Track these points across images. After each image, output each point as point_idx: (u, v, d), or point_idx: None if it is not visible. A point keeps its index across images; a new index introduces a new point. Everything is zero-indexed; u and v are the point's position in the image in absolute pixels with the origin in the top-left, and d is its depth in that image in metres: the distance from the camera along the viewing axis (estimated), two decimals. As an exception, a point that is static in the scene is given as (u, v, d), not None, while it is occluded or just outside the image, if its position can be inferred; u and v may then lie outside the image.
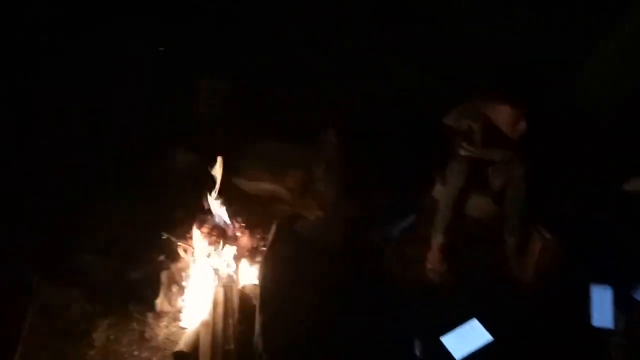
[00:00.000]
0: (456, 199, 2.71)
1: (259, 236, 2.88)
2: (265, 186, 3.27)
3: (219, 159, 2.75)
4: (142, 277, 2.65)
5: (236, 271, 2.58)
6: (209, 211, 2.77)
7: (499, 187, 2.77)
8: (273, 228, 2.63)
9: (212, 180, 2.77)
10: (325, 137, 3.31)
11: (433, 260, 2.75)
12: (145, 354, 2.31)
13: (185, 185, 3.06)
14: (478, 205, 2.89)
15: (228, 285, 2.47)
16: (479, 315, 2.18)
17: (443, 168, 2.83)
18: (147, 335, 2.40)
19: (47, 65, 3.55)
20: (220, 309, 2.32)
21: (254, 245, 2.81)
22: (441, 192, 2.84)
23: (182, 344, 2.26)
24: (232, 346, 2.17)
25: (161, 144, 3.46)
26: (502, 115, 2.62)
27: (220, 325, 2.26)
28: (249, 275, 2.63)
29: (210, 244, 2.66)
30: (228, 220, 2.79)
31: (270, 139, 3.52)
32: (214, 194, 2.74)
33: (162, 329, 2.43)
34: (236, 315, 2.34)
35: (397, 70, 3.63)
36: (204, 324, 2.27)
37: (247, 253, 2.72)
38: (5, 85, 3.35)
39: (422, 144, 3.10)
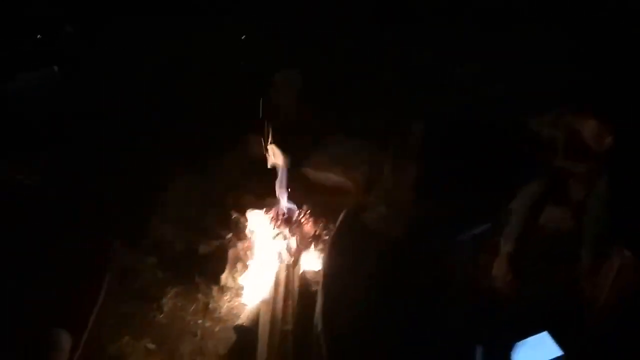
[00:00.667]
0: (531, 208, 2.60)
1: (321, 225, 2.94)
2: (333, 178, 3.32)
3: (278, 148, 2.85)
4: (210, 252, 2.78)
5: (298, 256, 2.64)
6: (277, 197, 2.87)
7: (578, 200, 2.64)
8: (341, 217, 2.65)
9: (281, 167, 2.88)
10: (405, 136, 3.27)
11: (499, 269, 2.66)
12: (208, 324, 2.43)
13: (258, 171, 3.16)
14: (554, 217, 2.77)
15: (290, 268, 2.54)
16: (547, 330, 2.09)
17: (523, 176, 2.74)
18: (211, 306, 2.52)
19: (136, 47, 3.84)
20: (281, 290, 2.39)
21: (317, 233, 2.86)
22: (517, 200, 2.75)
23: (244, 318, 2.35)
24: (290, 327, 2.22)
25: (239, 132, 3.63)
26: (589, 127, 2.50)
27: (280, 305, 2.32)
28: (310, 260, 2.69)
29: (275, 227, 2.75)
30: (294, 207, 2.86)
31: (341, 134, 3.58)
32: (283, 181, 2.84)
33: (225, 302, 2.54)
34: (296, 298, 2.39)
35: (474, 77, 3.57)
36: (265, 303, 2.34)
37: (309, 239, 2.78)
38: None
39: (502, 150, 3.01)
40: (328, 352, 1.91)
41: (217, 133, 3.49)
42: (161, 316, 2.45)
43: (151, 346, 2.27)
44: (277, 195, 2.86)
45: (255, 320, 2.32)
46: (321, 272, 2.41)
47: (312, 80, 3.90)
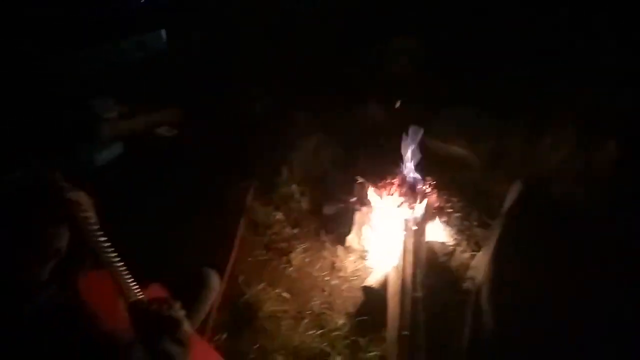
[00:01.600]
0: None
1: (445, 197, 2.92)
2: (457, 151, 3.25)
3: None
4: (335, 213, 2.87)
5: (423, 225, 2.65)
6: (402, 165, 2.87)
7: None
8: (516, 188, 2.38)
9: (406, 137, 2.87)
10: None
11: None
12: (335, 282, 2.53)
13: (384, 138, 3.17)
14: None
15: (417, 237, 2.55)
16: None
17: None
18: (337, 265, 2.62)
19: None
20: (409, 258, 2.41)
21: (440, 205, 2.85)
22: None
23: (372, 280, 2.42)
24: (420, 294, 2.26)
25: (357, 97, 3.65)
26: None
27: (409, 272, 2.35)
28: (435, 231, 2.69)
29: (401, 195, 2.76)
30: (418, 177, 2.85)
31: (466, 105, 3.47)
32: (408, 150, 2.83)
33: (350, 263, 2.63)
34: (424, 266, 2.42)
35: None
36: (395, 268, 2.39)
37: (433, 211, 2.77)
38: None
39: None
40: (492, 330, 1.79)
41: (347, 98, 3.55)
42: (291, 269, 2.59)
43: (285, 295, 2.42)
44: (402, 163, 2.87)
45: (383, 284, 2.38)
46: (491, 245, 2.19)
47: (434, 48, 3.81)
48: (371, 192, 2.80)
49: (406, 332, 2.08)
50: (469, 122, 3.36)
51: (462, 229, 2.74)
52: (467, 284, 2.37)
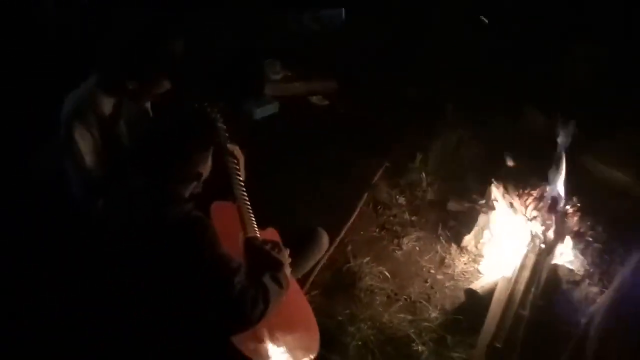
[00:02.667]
0: None
1: (588, 223, 2.60)
2: (619, 177, 2.86)
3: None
4: (458, 211, 2.78)
5: (553, 246, 2.41)
6: (547, 178, 2.63)
7: None
8: None
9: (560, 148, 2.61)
10: None
11: None
12: (439, 276, 2.47)
13: (534, 146, 2.93)
14: None
15: (541, 255, 2.35)
16: None
17: None
18: (446, 261, 2.55)
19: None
20: (525, 274, 2.24)
21: (580, 230, 2.55)
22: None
23: (478, 285, 2.31)
24: (527, 312, 2.09)
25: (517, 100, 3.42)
26: None
27: (521, 288, 2.19)
28: (564, 255, 2.43)
29: (535, 208, 2.55)
30: (562, 195, 2.59)
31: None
32: (559, 164, 2.58)
33: (460, 263, 2.54)
34: (540, 287, 2.22)
35: None
36: (506, 280, 2.24)
37: (571, 234, 2.49)
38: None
39: None
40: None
41: (499, 98, 3.37)
42: (399, 253, 2.60)
43: (387, 274, 2.45)
44: (548, 176, 2.63)
45: (489, 292, 2.26)
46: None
47: (621, 57, 3.34)
48: (502, 197, 2.63)
49: (499, 345, 1.96)
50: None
51: (597, 262, 2.43)
52: (584, 319, 2.11)
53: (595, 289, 2.30)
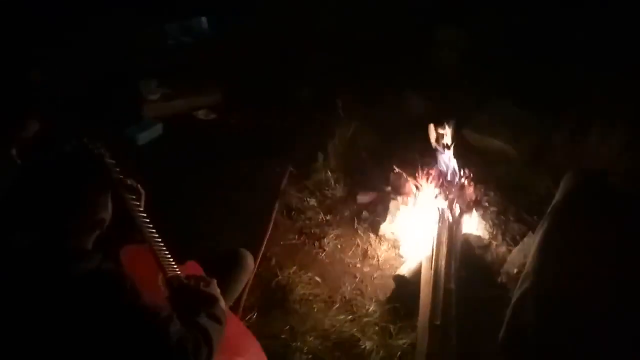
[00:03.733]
0: None
1: (482, 190, 2.86)
2: (496, 144, 3.18)
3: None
4: (369, 202, 2.87)
5: (460, 217, 2.61)
6: (438, 156, 2.84)
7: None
8: (568, 179, 2.13)
9: (444, 127, 2.84)
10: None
11: None
12: (366, 269, 2.53)
13: (420, 128, 3.13)
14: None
15: (451, 229, 2.52)
16: None
17: None
18: (369, 253, 2.62)
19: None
20: (443, 249, 2.39)
21: (477, 198, 2.80)
22: None
23: (404, 270, 2.40)
24: (453, 286, 2.23)
25: (397, 87, 3.62)
26: None
27: (442, 263, 2.33)
28: (471, 224, 2.65)
29: (436, 187, 2.73)
30: (456, 168, 2.81)
31: (508, 99, 3.39)
32: (445, 141, 2.80)
33: (382, 252, 2.62)
34: (458, 259, 2.39)
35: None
36: (427, 258, 2.37)
37: (470, 203, 2.72)
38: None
39: None
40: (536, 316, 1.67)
41: (381, 87, 3.53)
42: (323, 254, 2.60)
43: (317, 279, 2.44)
44: (438, 154, 2.83)
45: (415, 274, 2.37)
46: (539, 236, 1.98)
47: (479, 39, 3.72)
48: (407, 182, 2.78)
49: (437, 322, 2.07)
50: (512, 116, 3.28)
51: (497, 224, 2.69)
52: (501, 278, 2.33)
53: (502, 249, 2.54)
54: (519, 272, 2.25)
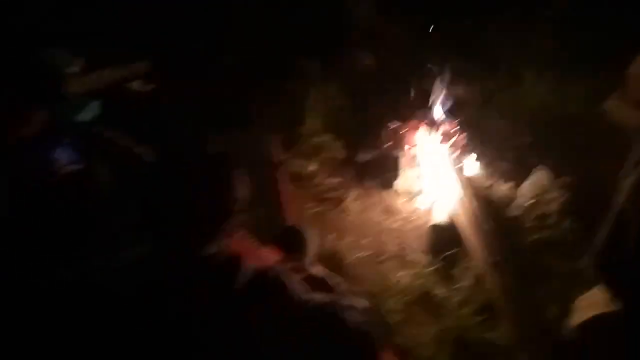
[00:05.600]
0: None
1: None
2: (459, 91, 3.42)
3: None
4: (370, 159, 2.87)
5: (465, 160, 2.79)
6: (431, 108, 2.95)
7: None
8: None
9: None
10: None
11: None
12: (397, 224, 2.57)
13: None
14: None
15: (459, 173, 2.69)
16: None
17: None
18: (392, 209, 2.65)
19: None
20: (468, 192, 2.55)
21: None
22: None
23: (437, 218, 2.51)
24: (487, 226, 2.40)
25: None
26: None
27: (473, 205, 2.49)
28: (470, 168, 2.86)
29: (435, 136, 2.85)
30: (447, 117, 2.96)
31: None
32: (438, 92, 2.93)
33: (403, 205, 2.68)
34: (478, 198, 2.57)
35: None
36: (460, 203, 2.49)
37: (465, 148, 2.91)
38: None
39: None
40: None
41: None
42: (350, 218, 2.56)
43: (361, 241, 2.40)
44: (432, 106, 2.95)
45: (447, 220, 2.49)
46: None
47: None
48: (405, 135, 2.84)
49: (498, 258, 2.24)
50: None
51: (491, 163, 2.92)
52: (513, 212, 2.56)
53: (505, 186, 2.81)
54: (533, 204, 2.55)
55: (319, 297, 1.36)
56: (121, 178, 1.79)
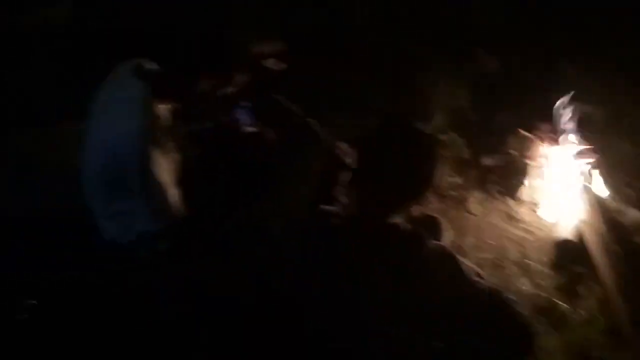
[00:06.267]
0: None
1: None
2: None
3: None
4: (495, 164, 2.86)
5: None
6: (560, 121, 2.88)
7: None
8: None
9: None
10: None
11: None
12: (519, 233, 2.55)
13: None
14: None
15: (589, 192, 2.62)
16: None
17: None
18: (514, 217, 2.63)
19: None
20: (596, 209, 2.48)
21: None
22: None
23: (563, 233, 2.47)
24: (614, 248, 2.33)
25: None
26: None
27: (599, 224, 2.43)
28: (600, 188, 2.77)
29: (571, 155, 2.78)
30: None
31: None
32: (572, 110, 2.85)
33: (525, 215, 2.65)
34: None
35: None
36: (588, 222, 2.44)
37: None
38: None
39: None
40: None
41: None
42: (473, 218, 2.58)
43: (479, 245, 2.42)
44: (563, 120, 2.87)
45: (574, 237, 2.45)
46: None
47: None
48: (536, 145, 2.80)
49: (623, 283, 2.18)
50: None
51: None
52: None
53: (635, 213, 2.70)
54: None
55: (484, 282, 1.42)
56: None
